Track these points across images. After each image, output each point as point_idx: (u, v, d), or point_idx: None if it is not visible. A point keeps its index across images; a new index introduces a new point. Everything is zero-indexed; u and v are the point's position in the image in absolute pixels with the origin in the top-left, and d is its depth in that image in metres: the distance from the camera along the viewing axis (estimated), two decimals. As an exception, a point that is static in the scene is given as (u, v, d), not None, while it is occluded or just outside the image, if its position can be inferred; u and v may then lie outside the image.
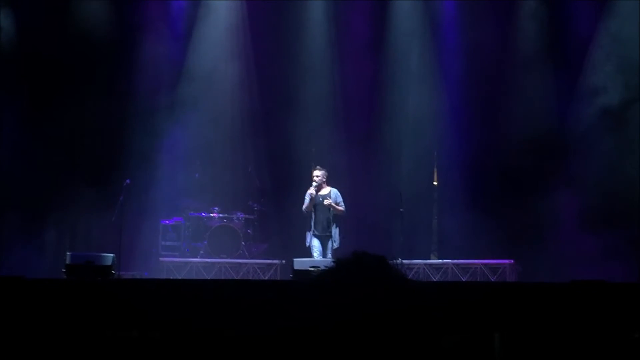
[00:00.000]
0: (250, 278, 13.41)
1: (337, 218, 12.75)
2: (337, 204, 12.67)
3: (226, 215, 14.29)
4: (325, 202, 12.60)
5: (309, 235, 12.74)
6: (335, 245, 12.67)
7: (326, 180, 12.83)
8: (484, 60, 14.83)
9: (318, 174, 12.72)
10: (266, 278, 13.48)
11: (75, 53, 14.44)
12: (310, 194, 12.63)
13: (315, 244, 12.65)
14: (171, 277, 13.17)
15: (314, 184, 12.65)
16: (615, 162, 13.99)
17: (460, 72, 14.94)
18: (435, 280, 12.97)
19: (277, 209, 14.77)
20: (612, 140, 14.09)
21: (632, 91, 14.07)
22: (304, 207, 12.75)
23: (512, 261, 13.32)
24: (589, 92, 14.40)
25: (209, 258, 13.85)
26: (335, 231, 12.69)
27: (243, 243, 14.03)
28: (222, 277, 13.31)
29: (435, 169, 15.14)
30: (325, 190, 12.74)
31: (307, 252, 13.06)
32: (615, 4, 14.42)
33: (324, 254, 12.53)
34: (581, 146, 14.25)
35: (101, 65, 14.52)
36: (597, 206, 13.86)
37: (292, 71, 15.09)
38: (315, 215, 12.69)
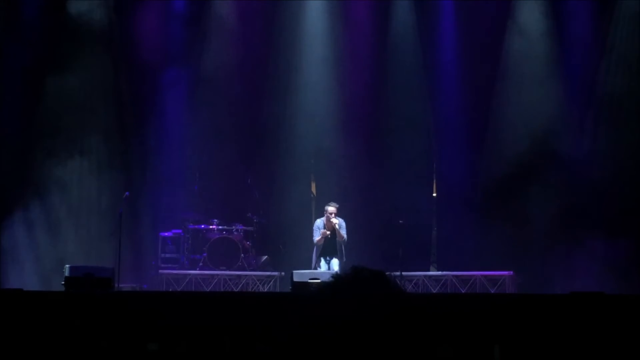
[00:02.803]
0: (250, 290, 13.40)
1: (341, 244, 12.82)
2: (340, 228, 12.70)
3: (225, 227, 14.29)
4: (333, 220, 12.61)
5: (315, 257, 12.83)
6: (344, 259, 12.77)
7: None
8: (485, 67, 14.80)
9: (333, 210, 12.72)
10: (265, 290, 13.46)
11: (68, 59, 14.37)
12: (322, 233, 12.71)
13: (322, 262, 12.76)
14: (170, 290, 13.16)
15: (334, 220, 12.64)
16: (617, 173, 13.93)
17: (460, 81, 14.93)
18: (434, 292, 12.97)
19: (276, 221, 14.76)
20: (616, 149, 14.02)
21: (633, 97, 14.04)
22: (315, 240, 12.85)
23: (512, 273, 13.30)
24: (591, 97, 14.34)
25: (208, 270, 13.83)
26: (341, 253, 12.77)
27: (242, 255, 14.02)
28: (221, 289, 13.30)
29: (435, 181, 15.14)
30: (335, 220, 12.75)
31: (307, 264, 13.07)
32: (616, 4, 14.38)
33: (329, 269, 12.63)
34: (583, 156, 14.18)
35: (99, 71, 14.44)
36: (599, 218, 13.82)
37: (292, 83, 15.08)
38: (323, 242, 12.79)
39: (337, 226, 12.65)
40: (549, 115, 14.39)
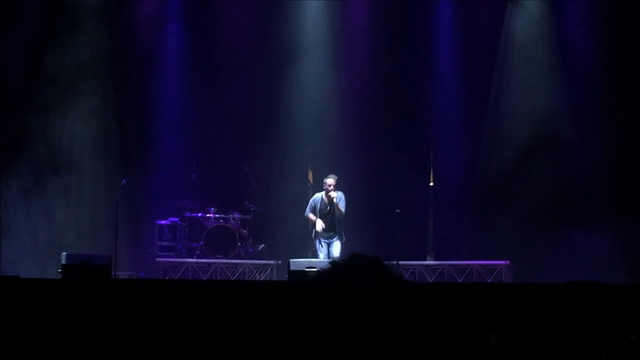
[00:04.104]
0: (246, 278, 13.41)
1: (339, 218, 12.67)
2: (338, 202, 12.56)
3: (222, 215, 14.29)
4: (332, 194, 12.42)
5: (315, 240, 12.75)
6: (343, 239, 12.58)
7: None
8: (483, 60, 14.80)
9: (332, 182, 12.58)
10: (262, 278, 13.47)
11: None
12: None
13: (320, 247, 12.64)
14: (167, 278, 13.17)
15: (332, 194, 12.48)
16: (618, 163, 13.91)
17: (459, 68, 14.91)
18: (431, 281, 12.98)
19: (273, 210, 14.77)
20: (616, 138, 13.97)
21: (630, 91, 14.01)
22: (306, 213, 12.72)
23: (508, 262, 13.32)
24: (586, 91, 14.32)
25: (204, 258, 13.84)
26: (339, 230, 12.60)
27: (239, 243, 14.02)
28: (218, 278, 13.31)
29: (432, 170, 15.14)
30: (334, 194, 12.59)
31: (303, 253, 13.05)
32: (612, 3, 14.35)
33: (329, 256, 12.49)
34: (579, 145, 14.16)
35: (94, 53, 14.39)
36: (598, 208, 13.81)
37: (289, 71, 15.07)
38: (320, 218, 12.63)
39: (335, 199, 12.53)
40: (549, 104, 14.36)
